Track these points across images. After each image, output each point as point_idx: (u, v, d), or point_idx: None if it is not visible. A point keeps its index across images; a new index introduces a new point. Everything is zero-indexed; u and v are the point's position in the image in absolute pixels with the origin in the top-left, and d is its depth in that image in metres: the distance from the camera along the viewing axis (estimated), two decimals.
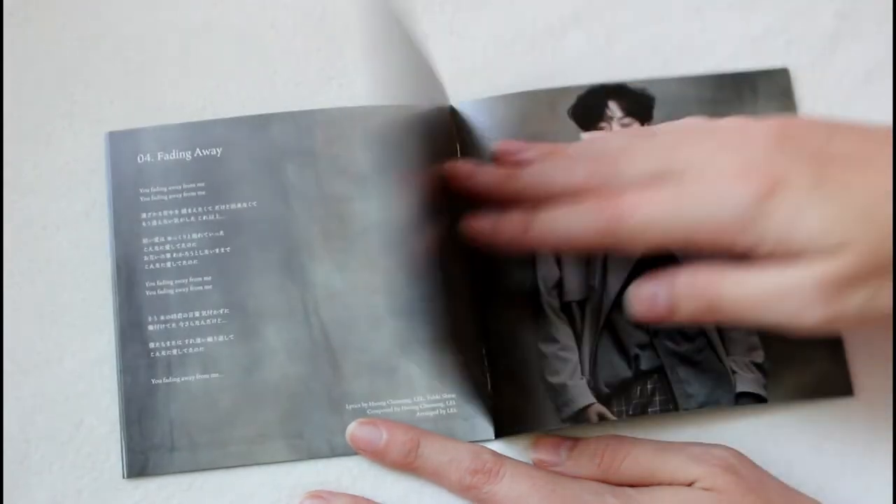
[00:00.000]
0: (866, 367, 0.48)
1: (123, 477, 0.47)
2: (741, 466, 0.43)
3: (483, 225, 0.46)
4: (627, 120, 0.50)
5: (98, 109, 0.52)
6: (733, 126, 0.43)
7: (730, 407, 0.48)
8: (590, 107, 0.51)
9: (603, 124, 0.50)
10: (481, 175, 0.47)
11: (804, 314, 0.39)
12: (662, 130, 0.46)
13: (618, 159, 0.43)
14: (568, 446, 0.46)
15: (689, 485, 0.43)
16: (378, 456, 0.47)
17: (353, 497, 0.46)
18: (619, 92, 0.51)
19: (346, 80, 0.52)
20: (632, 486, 0.44)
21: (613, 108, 0.51)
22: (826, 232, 0.38)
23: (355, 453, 0.47)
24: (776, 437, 0.48)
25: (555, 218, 0.44)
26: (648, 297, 0.43)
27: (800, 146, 0.40)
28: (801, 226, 0.39)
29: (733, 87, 0.50)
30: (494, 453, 0.46)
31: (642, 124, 0.50)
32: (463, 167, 0.48)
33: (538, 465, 0.46)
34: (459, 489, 0.45)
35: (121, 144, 0.51)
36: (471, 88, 0.52)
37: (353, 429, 0.47)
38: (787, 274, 0.39)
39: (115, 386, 0.48)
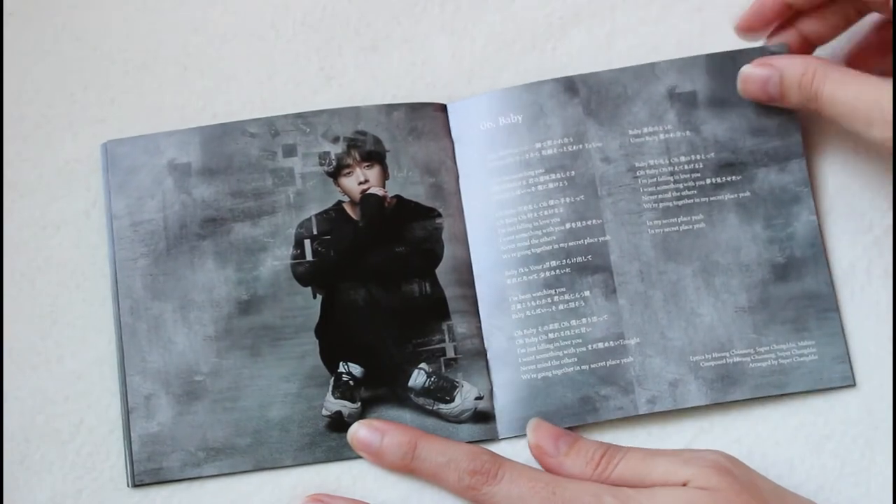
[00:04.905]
0: (869, 358, 0.48)
1: (129, 486, 0.47)
2: (733, 467, 0.43)
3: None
4: None
5: (98, 109, 0.52)
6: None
7: (730, 406, 0.48)
8: None
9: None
10: None
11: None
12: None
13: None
14: (568, 442, 0.46)
15: (684, 485, 0.43)
16: (376, 457, 0.47)
17: (353, 501, 0.46)
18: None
19: (346, 80, 0.52)
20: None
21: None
22: None
23: (356, 456, 0.47)
24: (776, 437, 0.48)
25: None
26: (761, 78, 0.48)
27: None
28: None
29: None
30: (493, 454, 0.46)
31: None
32: None
33: (535, 451, 0.46)
34: (459, 490, 0.45)
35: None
36: (471, 87, 0.52)
37: (354, 430, 0.47)
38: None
39: (116, 386, 0.48)
